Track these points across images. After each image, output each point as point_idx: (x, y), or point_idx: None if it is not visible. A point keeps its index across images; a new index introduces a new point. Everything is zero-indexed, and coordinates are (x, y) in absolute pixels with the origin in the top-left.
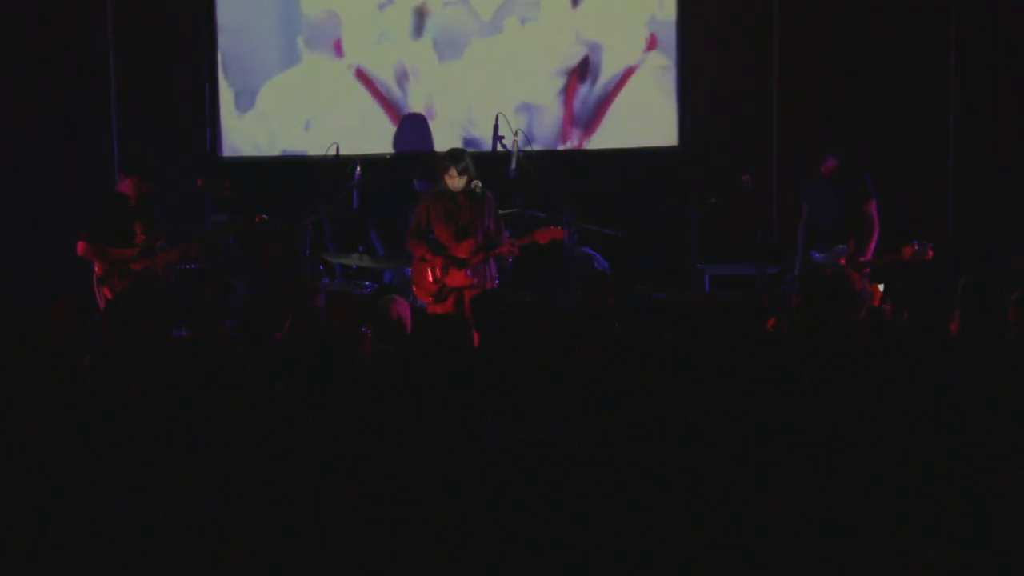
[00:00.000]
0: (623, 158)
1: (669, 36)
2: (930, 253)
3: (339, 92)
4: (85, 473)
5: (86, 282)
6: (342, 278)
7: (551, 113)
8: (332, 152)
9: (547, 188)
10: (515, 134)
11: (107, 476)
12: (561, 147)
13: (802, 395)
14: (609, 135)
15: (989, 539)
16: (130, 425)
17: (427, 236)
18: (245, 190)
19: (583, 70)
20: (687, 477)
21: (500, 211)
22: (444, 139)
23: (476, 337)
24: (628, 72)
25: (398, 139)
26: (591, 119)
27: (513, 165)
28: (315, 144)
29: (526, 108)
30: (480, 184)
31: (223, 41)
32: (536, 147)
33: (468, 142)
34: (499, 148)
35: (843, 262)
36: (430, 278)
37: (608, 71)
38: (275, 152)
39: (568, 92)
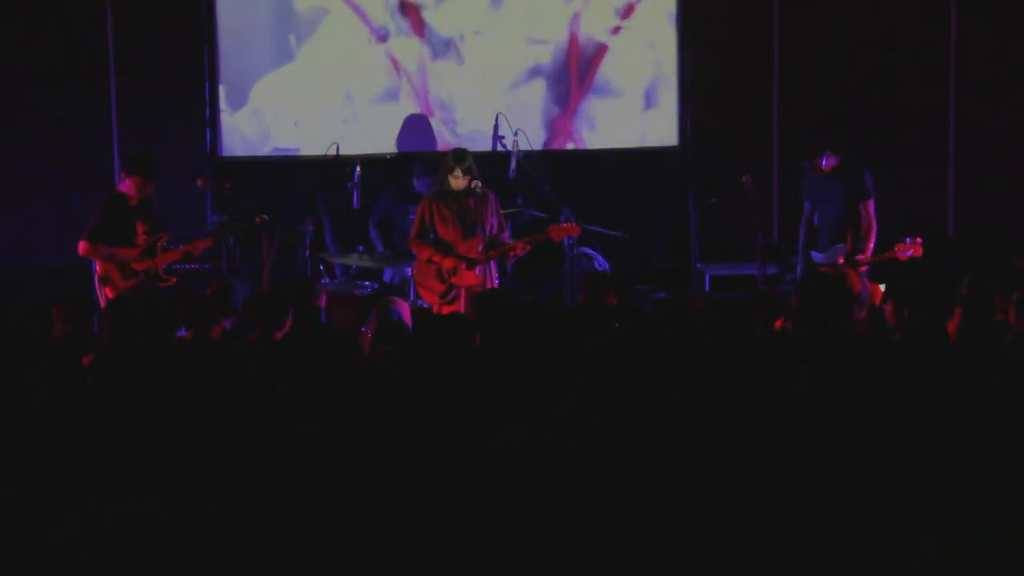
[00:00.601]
0: (623, 158)
1: (669, 36)
2: (920, 250)
3: (332, 89)
4: (85, 473)
5: (86, 282)
6: (342, 278)
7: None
8: (332, 152)
9: (548, 188)
10: (515, 134)
11: (107, 476)
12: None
13: (802, 395)
14: (609, 135)
15: (989, 539)
16: (130, 425)
17: (429, 237)
18: (245, 190)
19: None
20: (687, 477)
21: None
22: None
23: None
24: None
25: (401, 139)
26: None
27: (513, 165)
28: (308, 141)
29: (526, 108)
30: (480, 184)
31: (221, 40)
32: (536, 147)
33: (465, 140)
34: (499, 148)
35: (841, 261)
36: (438, 279)
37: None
38: (267, 150)
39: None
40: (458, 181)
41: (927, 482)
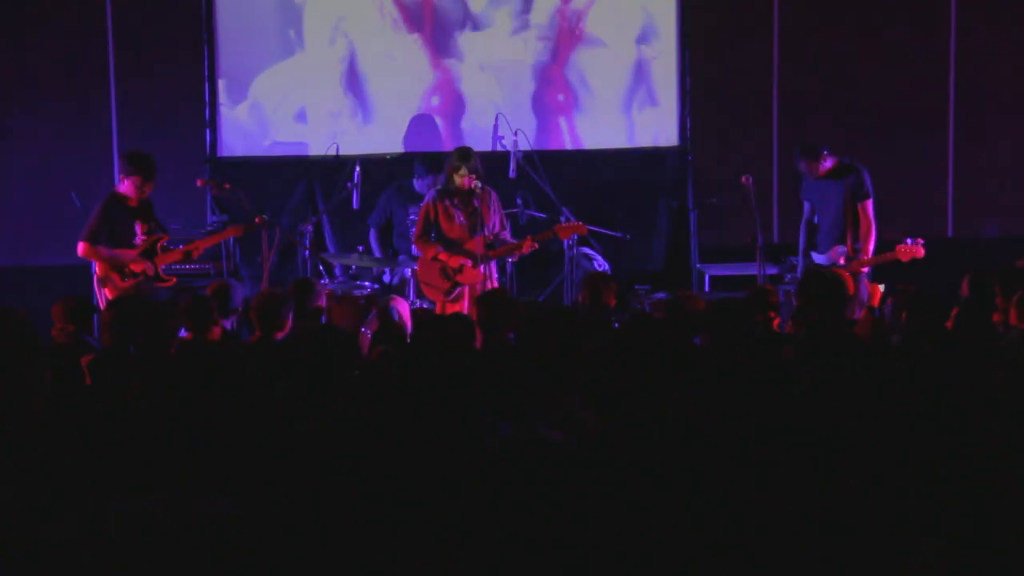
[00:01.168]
0: (623, 158)
1: (670, 36)
2: (921, 251)
3: (332, 84)
4: (85, 473)
5: (86, 282)
6: (342, 278)
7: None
8: (332, 152)
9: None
10: (515, 134)
11: (107, 476)
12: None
13: (802, 395)
14: (609, 135)
15: (989, 539)
16: (130, 425)
17: (431, 236)
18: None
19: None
20: (687, 477)
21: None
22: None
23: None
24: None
25: (407, 139)
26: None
27: (513, 165)
28: (307, 135)
29: (524, 107)
30: (480, 184)
31: (221, 34)
32: (535, 147)
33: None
34: (499, 148)
35: (842, 262)
36: (443, 276)
37: (608, 68)
38: (267, 143)
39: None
40: (463, 180)
41: (927, 482)
